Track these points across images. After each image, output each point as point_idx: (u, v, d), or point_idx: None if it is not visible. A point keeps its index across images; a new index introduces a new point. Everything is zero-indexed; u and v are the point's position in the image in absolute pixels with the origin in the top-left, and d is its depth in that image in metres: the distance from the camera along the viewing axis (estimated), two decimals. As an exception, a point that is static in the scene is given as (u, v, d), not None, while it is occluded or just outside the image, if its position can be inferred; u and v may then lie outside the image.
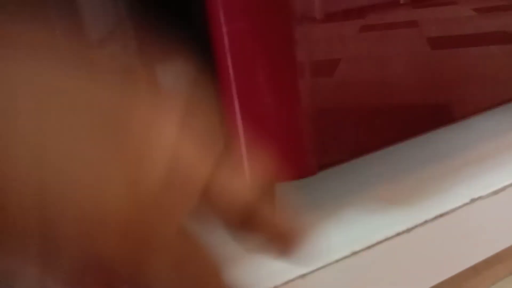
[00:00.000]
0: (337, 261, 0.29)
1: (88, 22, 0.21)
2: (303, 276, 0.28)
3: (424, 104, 0.32)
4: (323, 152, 0.27)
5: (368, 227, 0.31)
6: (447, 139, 0.41)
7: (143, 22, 0.23)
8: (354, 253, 0.29)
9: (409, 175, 0.36)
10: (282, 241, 0.19)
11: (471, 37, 0.32)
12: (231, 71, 0.24)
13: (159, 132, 0.13)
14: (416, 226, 0.31)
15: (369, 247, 0.30)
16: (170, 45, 0.32)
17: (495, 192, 0.34)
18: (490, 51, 0.34)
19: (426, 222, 0.31)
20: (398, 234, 0.30)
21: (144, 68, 0.24)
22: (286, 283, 0.28)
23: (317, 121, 0.26)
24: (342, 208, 0.33)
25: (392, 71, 0.29)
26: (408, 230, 0.31)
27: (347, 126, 0.29)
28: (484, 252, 0.37)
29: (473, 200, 0.33)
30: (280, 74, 0.24)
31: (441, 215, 0.32)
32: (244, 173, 0.26)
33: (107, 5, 0.21)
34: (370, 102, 0.29)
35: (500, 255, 0.38)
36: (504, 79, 0.36)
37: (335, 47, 0.26)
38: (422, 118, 0.32)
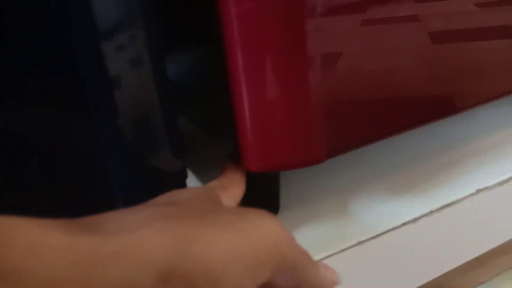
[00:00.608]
0: (343, 250, 0.29)
1: (97, 13, 0.21)
2: (309, 265, 0.28)
3: (430, 94, 0.32)
4: (330, 140, 0.27)
5: (374, 217, 0.31)
6: (453, 129, 0.41)
7: (152, 12, 0.23)
8: (360, 243, 0.29)
9: (415, 165, 0.36)
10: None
11: (472, 31, 0.32)
12: (239, 56, 0.23)
13: None
14: (422, 216, 0.31)
15: (375, 237, 0.30)
16: (179, 36, 0.32)
17: (501, 183, 0.34)
18: (492, 44, 0.34)
19: (432, 212, 0.31)
20: (404, 224, 0.31)
21: (153, 59, 0.24)
22: (292, 272, 0.28)
23: (325, 108, 0.26)
24: (347, 198, 0.33)
25: (397, 62, 0.29)
26: (414, 220, 0.31)
27: (354, 113, 0.29)
28: (489, 243, 0.37)
29: (479, 191, 0.33)
30: (289, 61, 0.24)
31: (447, 206, 0.32)
32: (252, 160, 0.26)
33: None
34: (377, 92, 0.29)
35: (505, 246, 0.38)
36: (506, 71, 0.36)
37: (343, 38, 0.26)
38: (427, 108, 0.32)
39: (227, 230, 0.16)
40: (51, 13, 0.21)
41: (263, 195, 0.31)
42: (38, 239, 0.12)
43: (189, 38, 0.30)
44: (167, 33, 0.32)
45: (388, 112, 0.30)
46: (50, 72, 0.22)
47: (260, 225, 0.17)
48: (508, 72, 0.36)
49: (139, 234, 0.14)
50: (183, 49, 0.32)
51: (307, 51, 0.24)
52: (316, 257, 0.28)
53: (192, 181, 0.37)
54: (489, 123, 0.42)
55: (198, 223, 0.16)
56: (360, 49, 0.27)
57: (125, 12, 0.22)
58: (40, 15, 0.21)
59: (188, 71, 0.32)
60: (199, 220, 0.16)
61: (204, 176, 0.37)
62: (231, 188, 0.25)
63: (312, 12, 0.24)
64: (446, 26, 0.30)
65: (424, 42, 0.30)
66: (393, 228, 0.30)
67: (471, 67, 0.34)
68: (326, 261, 0.29)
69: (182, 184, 0.28)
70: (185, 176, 0.28)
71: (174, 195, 0.20)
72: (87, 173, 0.24)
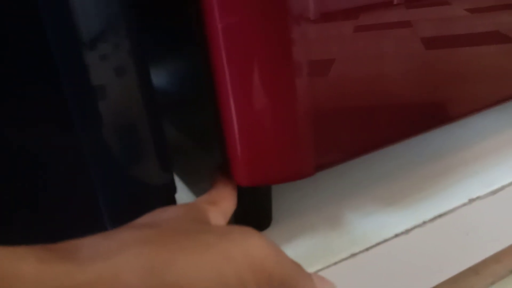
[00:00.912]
0: (335, 263, 0.29)
1: (79, 22, 0.21)
2: (301, 279, 0.28)
3: (421, 104, 0.32)
4: (320, 153, 0.27)
5: (366, 229, 0.31)
6: (443, 138, 0.41)
7: (136, 21, 0.23)
8: (353, 255, 0.29)
9: (406, 175, 0.36)
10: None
11: (464, 36, 0.32)
12: (226, 69, 0.23)
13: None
14: (414, 227, 0.31)
15: (367, 249, 0.29)
16: (163, 44, 0.32)
17: (493, 192, 0.34)
18: (484, 51, 0.34)
19: (424, 223, 0.31)
20: (397, 236, 0.30)
21: (137, 69, 0.24)
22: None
23: (314, 121, 0.26)
24: (339, 210, 0.33)
25: (387, 71, 0.29)
26: (407, 231, 0.31)
27: (344, 126, 0.28)
28: (483, 252, 0.36)
29: (471, 200, 0.33)
30: (277, 73, 0.24)
31: (439, 216, 0.32)
32: (241, 174, 0.26)
33: (99, 4, 0.21)
34: (367, 102, 0.29)
35: (499, 255, 0.38)
36: (499, 78, 0.36)
37: (330, 47, 0.26)
38: (420, 118, 0.32)
39: (209, 251, 0.16)
40: (33, 24, 0.20)
41: (255, 209, 0.31)
42: (9, 269, 0.12)
43: (176, 45, 0.30)
44: (153, 40, 0.32)
45: (379, 124, 0.30)
46: (33, 82, 0.22)
47: (245, 245, 0.17)
48: (502, 79, 0.36)
49: (115, 261, 0.14)
50: (169, 57, 0.31)
51: (295, 64, 0.24)
52: (309, 270, 0.28)
53: (184, 192, 0.37)
54: (480, 130, 0.42)
55: (178, 245, 0.15)
56: (349, 61, 0.27)
57: (108, 21, 0.22)
58: (21, 25, 0.20)
59: (175, 80, 0.32)
60: (179, 242, 0.16)
61: (196, 187, 0.37)
62: (221, 202, 0.25)
63: (299, 22, 0.24)
64: (436, 33, 0.30)
65: (417, 51, 0.30)
66: (386, 240, 0.30)
67: (466, 75, 0.33)
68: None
69: (170, 198, 0.27)
70: (174, 190, 0.27)
71: (157, 214, 0.20)
72: (71, 187, 0.24)
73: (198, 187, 0.37)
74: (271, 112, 0.25)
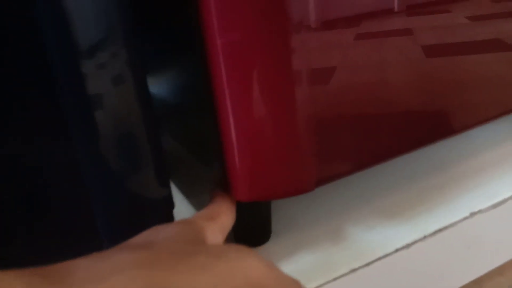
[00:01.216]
0: (335, 279, 0.28)
1: (77, 31, 0.21)
2: (301, 294, 0.27)
3: (424, 116, 0.32)
4: (320, 168, 0.27)
5: (367, 243, 0.30)
6: (444, 150, 0.40)
7: (134, 31, 0.23)
8: (353, 271, 0.29)
9: (407, 188, 0.36)
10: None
11: (465, 44, 0.32)
12: (225, 83, 0.23)
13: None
14: (415, 242, 0.31)
15: (368, 264, 0.29)
16: (161, 55, 0.31)
17: (495, 205, 0.34)
18: (486, 60, 0.34)
19: (425, 237, 0.31)
20: (397, 250, 0.30)
21: (135, 78, 0.24)
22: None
23: (314, 135, 0.26)
24: (339, 224, 0.33)
25: (388, 80, 0.29)
26: (408, 246, 0.30)
27: (345, 140, 0.28)
28: (485, 266, 0.36)
29: (472, 214, 0.33)
30: (276, 87, 0.24)
31: (440, 230, 0.31)
32: (241, 190, 0.26)
33: (97, 13, 0.21)
34: (368, 115, 0.29)
35: (502, 268, 0.38)
36: (503, 90, 0.36)
37: (331, 57, 0.26)
38: (424, 130, 0.32)
39: (205, 273, 0.15)
40: (30, 33, 0.20)
41: (254, 222, 0.31)
42: None
43: (174, 54, 0.30)
44: (151, 49, 0.31)
45: (381, 137, 0.30)
46: (29, 92, 0.21)
47: (241, 264, 0.17)
48: (506, 90, 0.36)
49: (108, 285, 0.13)
50: (167, 67, 0.31)
51: (296, 76, 0.24)
52: (308, 286, 0.28)
53: (183, 204, 0.37)
54: (482, 143, 0.41)
55: (173, 268, 0.15)
56: (350, 72, 0.27)
57: (106, 30, 0.21)
58: (19, 34, 0.20)
59: (173, 91, 0.32)
60: (174, 265, 0.15)
61: (195, 199, 0.37)
62: (220, 217, 0.25)
63: (300, 32, 0.23)
64: (436, 41, 0.30)
65: (418, 59, 0.29)
66: (387, 255, 0.30)
67: (469, 86, 0.33)
68: (318, 290, 0.28)
69: (168, 213, 0.27)
70: (171, 206, 0.27)
71: (152, 234, 0.20)
72: (66, 200, 0.24)
73: (198, 198, 0.37)
74: (271, 126, 0.24)
